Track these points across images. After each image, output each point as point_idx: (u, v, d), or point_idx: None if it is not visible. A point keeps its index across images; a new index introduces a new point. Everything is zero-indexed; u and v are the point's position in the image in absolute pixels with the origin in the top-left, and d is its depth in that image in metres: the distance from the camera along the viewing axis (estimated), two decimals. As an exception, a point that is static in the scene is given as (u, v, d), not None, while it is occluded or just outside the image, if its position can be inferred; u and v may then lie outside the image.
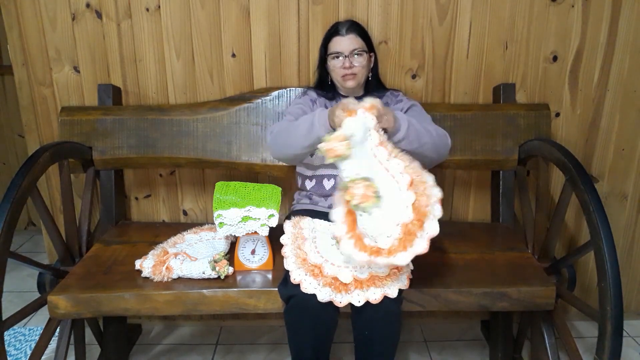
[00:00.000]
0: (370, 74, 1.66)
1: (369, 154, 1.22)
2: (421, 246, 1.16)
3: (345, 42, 1.57)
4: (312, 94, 1.68)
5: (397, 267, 1.34)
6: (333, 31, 1.61)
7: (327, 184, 1.61)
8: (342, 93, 1.68)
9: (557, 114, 1.91)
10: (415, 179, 1.16)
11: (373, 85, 1.69)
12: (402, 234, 1.15)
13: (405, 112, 1.61)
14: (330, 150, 1.16)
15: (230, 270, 1.49)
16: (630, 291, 2.12)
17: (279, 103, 1.81)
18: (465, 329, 2.12)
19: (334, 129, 1.28)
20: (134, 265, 1.52)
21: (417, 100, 1.88)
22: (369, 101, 1.24)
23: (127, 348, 1.93)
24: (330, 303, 1.31)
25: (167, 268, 1.46)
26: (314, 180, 1.64)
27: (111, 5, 1.80)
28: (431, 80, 1.88)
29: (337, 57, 1.58)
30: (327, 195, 1.62)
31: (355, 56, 1.57)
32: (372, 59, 1.66)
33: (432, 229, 1.16)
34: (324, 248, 1.39)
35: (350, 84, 1.60)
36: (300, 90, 1.79)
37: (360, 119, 1.20)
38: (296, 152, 1.44)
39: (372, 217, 1.19)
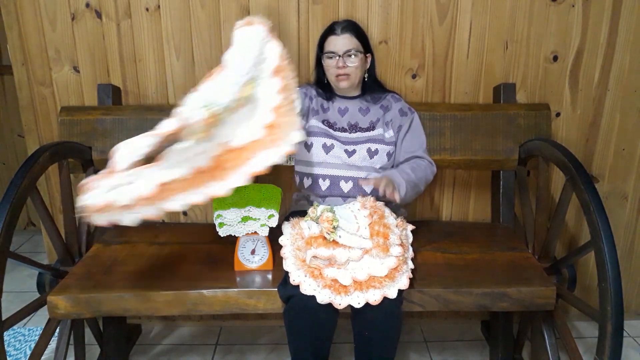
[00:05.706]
0: (366, 75, 1.66)
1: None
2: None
3: (339, 42, 1.58)
4: (312, 91, 1.69)
5: (395, 268, 1.34)
6: (329, 30, 1.61)
7: (323, 185, 1.61)
8: (337, 93, 1.68)
9: (558, 114, 1.91)
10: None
11: (370, 86, 1.68)
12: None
13: (406, 133, 1.64)
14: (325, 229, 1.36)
15: None
16: (630, 291, 2.12)
17: (278, 103, 1.80)
18: (465, 329, 2.12)
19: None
20: (134, 265, 1.52)
21: (417, 100, 1.88)
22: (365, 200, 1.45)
23: (126, 348, 1.93)
24: (330, 304, 1.31)
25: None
26: (310, 179, 1.64)
27: (111, 5, 1.80)
28: (431, 80, 1.87)
29: (331, 57, 1.59)
30: (323, 195, 1.63)
31: (349, 57, 1.57)
32: (369, 59, 1.66)
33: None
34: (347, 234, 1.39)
35: (344, 84, 1.61)
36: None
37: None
38: None
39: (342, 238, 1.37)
